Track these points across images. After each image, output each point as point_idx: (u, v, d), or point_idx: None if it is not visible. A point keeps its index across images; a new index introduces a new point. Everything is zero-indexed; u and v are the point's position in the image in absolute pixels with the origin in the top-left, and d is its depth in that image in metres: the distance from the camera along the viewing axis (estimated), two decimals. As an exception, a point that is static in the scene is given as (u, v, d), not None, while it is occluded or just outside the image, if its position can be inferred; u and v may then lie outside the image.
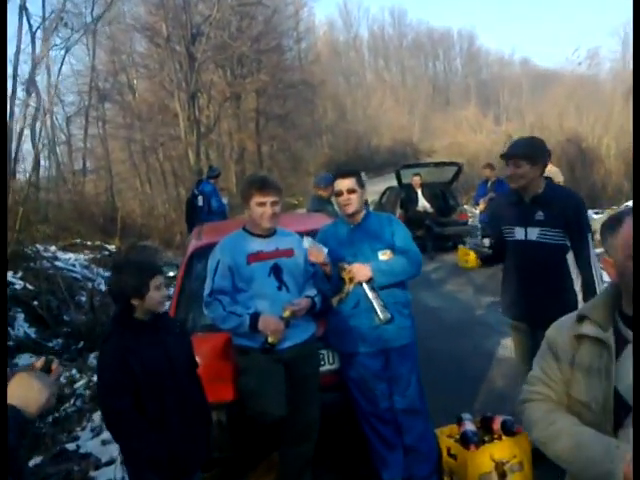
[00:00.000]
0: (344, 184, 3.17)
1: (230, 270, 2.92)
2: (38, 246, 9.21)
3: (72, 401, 4.74)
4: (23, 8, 17.93)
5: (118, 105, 26.48)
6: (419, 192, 10.98)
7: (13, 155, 8.63)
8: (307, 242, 3.03)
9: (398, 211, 10.75)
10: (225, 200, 9.82)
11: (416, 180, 10.95)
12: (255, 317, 2.83)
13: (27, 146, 18.58)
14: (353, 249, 3.16)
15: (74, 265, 10.13)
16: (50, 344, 6.69)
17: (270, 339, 2.79)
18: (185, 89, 23.15)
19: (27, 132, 17.71)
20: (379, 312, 3.04)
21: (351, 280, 3.10)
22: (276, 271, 2.97)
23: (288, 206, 21.72)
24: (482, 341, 5.73)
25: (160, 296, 2.38)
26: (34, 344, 6.57)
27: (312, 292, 3.08)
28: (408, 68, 60.28)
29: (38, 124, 10.95)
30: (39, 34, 17.32)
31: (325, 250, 3.04)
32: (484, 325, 6.31)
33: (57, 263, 9.44)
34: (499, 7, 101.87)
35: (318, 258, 3.01)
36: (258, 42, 26.81)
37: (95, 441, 4.22)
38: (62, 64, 21.41)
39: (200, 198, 9.23)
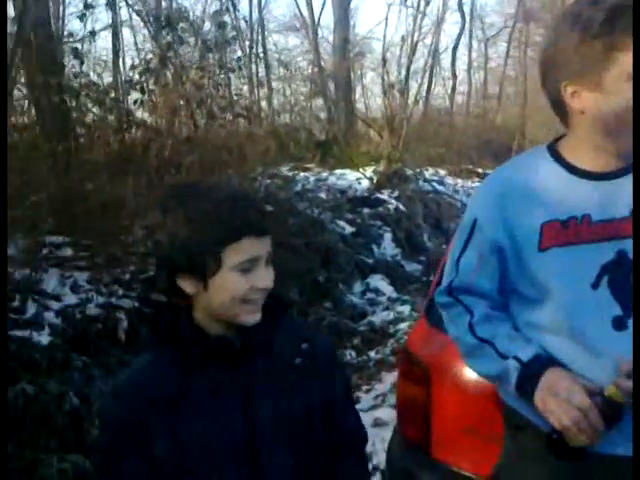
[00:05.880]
0: None
1: (499, 252, 1.28)
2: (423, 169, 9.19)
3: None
4: None
5: (543, 24, 24.48)
6: None
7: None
8: None
9: None
10: None
11: None
12: (533, 370, 1.22)
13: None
14: None
15: (457, 191, 9.84)
16: (407, 269, 6.55)
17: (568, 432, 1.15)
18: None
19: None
20: None
21: None
22: (615, 275, 1.22)
23: None
24: None
25: (245, 287, 1.02)
26: (393, 265, 6.53)
27: None
28: None
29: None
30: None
31: None
32: None
33: (439, 187, 9.30)
34: None
35: None
36: None
37: None
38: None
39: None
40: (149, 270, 4.23)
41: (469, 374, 1.52)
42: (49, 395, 2.98)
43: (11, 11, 4.36)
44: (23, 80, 5.14)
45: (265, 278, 1.02)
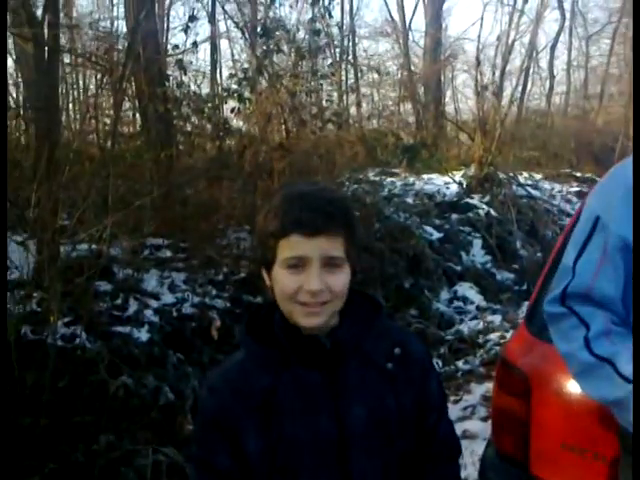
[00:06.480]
0: None
1: (625, 251, 1.18)
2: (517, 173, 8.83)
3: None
4: None
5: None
6: None
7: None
8: None
9: None
10: None
11: None
12: None
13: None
14: None
15: (553, 197, 9.37)
16: (498, 277, 6.32)
17: None
18: None
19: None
20: None
21: None
22: None
23: None
24: None
25: (293, 286, 0.99)
26: (483, 273, 6.33)
27: None
28: None
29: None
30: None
31: None
32: None
33: (534, 192, 8.90)
34: None
35: None
36: None
37: None
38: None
39: None
40: (241, 272, 4.37)
41: (574, 387, 1.42)
42: (147, 389, 3.15)
43: (124, 27, 4.64)
44: (129, 92, 5.49)
45: (314, 282, 0.96)
